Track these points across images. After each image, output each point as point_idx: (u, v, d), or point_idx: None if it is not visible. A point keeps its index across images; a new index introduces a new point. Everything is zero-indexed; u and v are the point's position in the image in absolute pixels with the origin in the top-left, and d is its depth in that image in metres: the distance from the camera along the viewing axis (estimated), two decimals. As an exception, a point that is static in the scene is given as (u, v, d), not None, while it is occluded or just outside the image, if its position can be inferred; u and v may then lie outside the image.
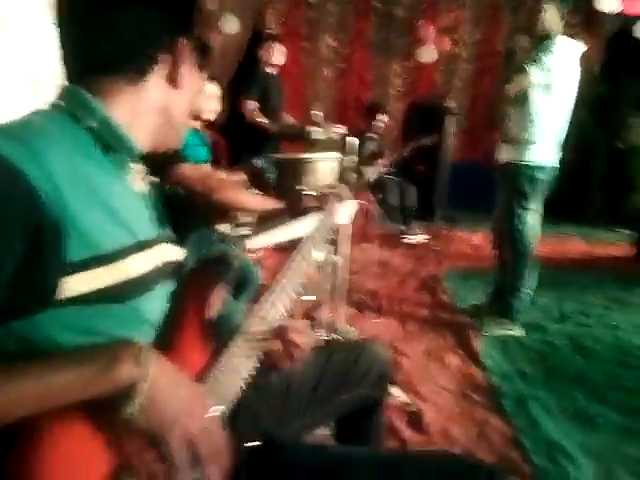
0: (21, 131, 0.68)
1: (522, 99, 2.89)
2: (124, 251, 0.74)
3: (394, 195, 5.25)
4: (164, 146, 0.90)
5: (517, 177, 2.95)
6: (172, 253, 0.89)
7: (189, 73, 0.85)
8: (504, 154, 3.05)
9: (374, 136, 5.50)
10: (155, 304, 0.82)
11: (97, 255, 0.70)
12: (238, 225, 2.57)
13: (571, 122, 2.97)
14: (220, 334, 0.91)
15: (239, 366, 0.86)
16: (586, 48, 2.96)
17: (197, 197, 1.80)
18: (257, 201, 1.89)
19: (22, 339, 0.67)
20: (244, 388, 0.87)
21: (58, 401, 0.63)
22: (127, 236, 0.76)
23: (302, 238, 1.19)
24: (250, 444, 0.90)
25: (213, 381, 0.82)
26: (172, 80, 0.83)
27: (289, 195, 2.09)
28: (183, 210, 1.61)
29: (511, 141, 2.98)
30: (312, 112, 2.98)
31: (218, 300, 0.91)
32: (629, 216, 6.70)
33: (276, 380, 1.13)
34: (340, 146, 3.44)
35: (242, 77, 4.59)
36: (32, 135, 0.68)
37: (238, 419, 0.85)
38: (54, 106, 0.77)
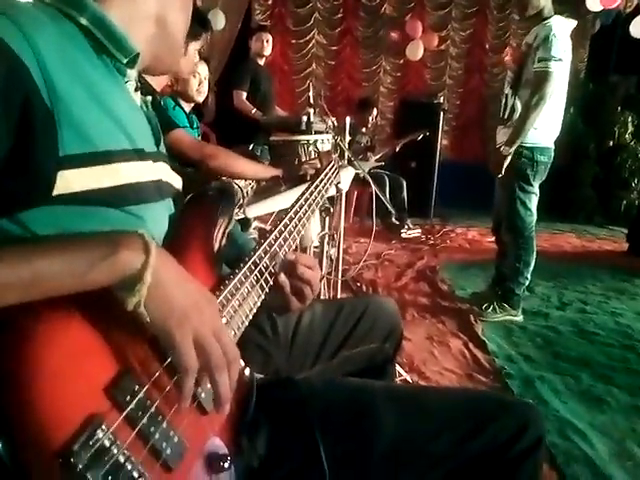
0: (5, 7, 0.59)
1: (528, 83, 2.80)
2: (122, 154, 0.68)
3: (386, 189, 5.19)
4: (161, 63, 0.83)
5: (518, 159, 2.87)
6: (171, 176, 0.81)
7: None
8: (503, 137, 2.95)
9: (365, 131, 5.47)
10: (154, 218, 0.74)
11: (93, 152, 0.63)
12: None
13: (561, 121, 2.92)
14: (223, 266, 0.83)
15: (246, 296, 0.78)
16: (576, 23, 2.89)
17: (190, 163, 1.72)
18: (255, 168, 1.81)
19: (8, 238, 0.59)
20: (250, 325, 0.78)
21: (49, 290, 0.54)
22: (125, 140, 0.69)
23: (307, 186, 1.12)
24: (261, 376, 0.81)
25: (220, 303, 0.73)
26: None
27: (286, 166, 2.01)
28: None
29: (511, 124, 2.88)
30: (310, 94, 2.90)
31: (222, 231, 0.82)
32: (620, 213, 6.72)
33: (283, 326, 1.05)
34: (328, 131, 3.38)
35: (232, 71, 4.51)
36: (17, 11, 0.60)
37: (247, 354, 0.76)
38: (39, 2, 0.68)
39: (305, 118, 3.19)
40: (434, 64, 7.00)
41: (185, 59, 1.97)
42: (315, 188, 1.11)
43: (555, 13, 2.83)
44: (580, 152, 6.94)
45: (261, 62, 4.51)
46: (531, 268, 3.04)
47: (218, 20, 5.54)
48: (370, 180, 1.97)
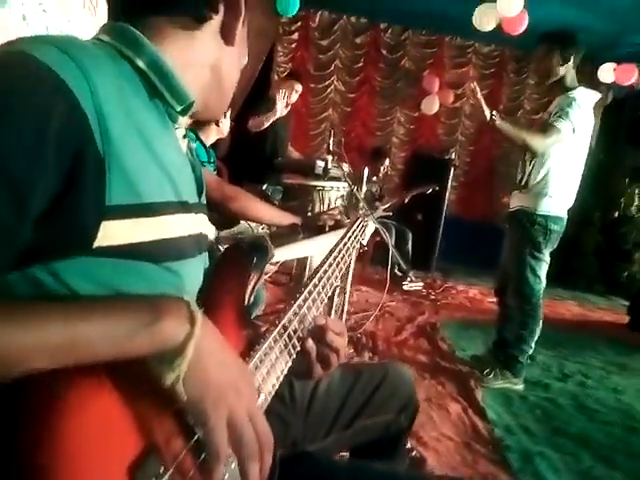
0: (68, 45, 0.57)
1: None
2: (167, 206, 0.65)
3: (392, 240, 5.18)
4: (208, 112, 0.82)
5: (531, 226, 2.85)
6: (208, 228, 0.79)
7: (242, 31, 0.76)
8: (517, 201, 2.96)
9: (376, 180, 5.50)
10: (191, 275, 0.71)
11: (140, 203, 0.60)
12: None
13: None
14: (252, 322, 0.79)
15: (274, 362, 0.74)
16: (600, 96, 2.91)
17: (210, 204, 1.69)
18: (273, 213, 1.78)
19: (39, 286, 0.54)
20: (277, 390, 0.74)
21: (83, 357, 0.50)
22: (172, 192, 0.67)
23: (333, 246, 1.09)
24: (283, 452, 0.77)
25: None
26: (227, 34, 0.74)
27: (304, 214, 1.99)
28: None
29: (526, 190, 2.88)
30: (330, 141, 2.91)
31: (253, 287, 0.79)
32: (622, 284, 6.71)
33: (300, 392, 1.00)
34: (345, 177, 3.38)
35: (250, 108, 4.53)
36: (80, 50, 0.58)
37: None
38: (97, 40, 0.67)
39: (321, 163, 3.20)
40: (448, 120, 7.09)
41: None
42: (344, 246, 1.08)
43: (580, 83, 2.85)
44: (585, 220, 6.98)
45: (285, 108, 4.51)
46: (536, 336, 2.99)
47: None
48: (385, 234, 1.94)
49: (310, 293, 0.87)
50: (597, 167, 7.06)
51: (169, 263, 0.64)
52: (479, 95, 2.85)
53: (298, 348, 0.80)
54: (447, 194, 6.29)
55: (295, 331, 0.80)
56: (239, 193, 1.77)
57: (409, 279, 5.22)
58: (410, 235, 5.48)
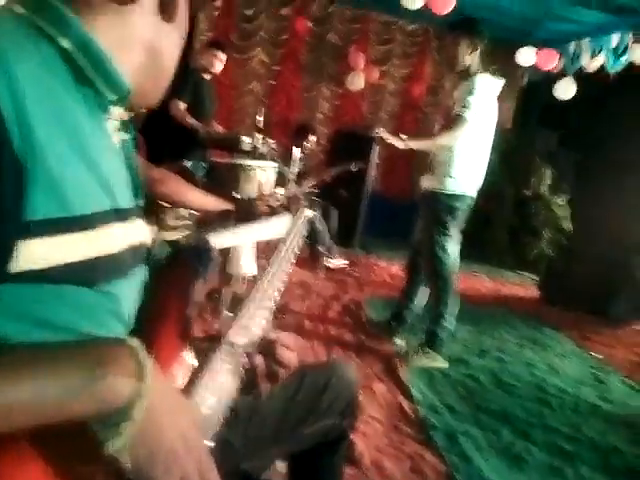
0: None
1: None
2: (103, 217, 0.55)
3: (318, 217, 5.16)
4: (143, 98, 0.70)
5: (436, 205, 3.02)
6: (145, 233, 0.70)
7: (183, 6, 0.67)
8: (426, 182, 3.12)
9: (301, 157, 5.42)
10: (130, 295, 0.62)
11: (70, 217, 0.50)
12: (166, 228, 2.34)
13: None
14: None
15: (222, 383, 0.68)
16: (504, 82, 3.06)
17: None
18: (204, 200, 1.67)
19: None
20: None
21: (9, 425, 0.42)
22: (106, 199, 0.57)
23: (279, 242, 1.03)
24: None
25: (199, 400, 0.63)
26: (166, 9, 0.64)
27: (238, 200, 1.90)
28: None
29: (433, 171, 3.05)
30: (258, 119, 2.81)
31: (199, 297, 0.72)
32: (531, 261, 7.08)
33: (242, 407, 0.94)
34: (274, 157, 3.31)
35: (173, 79, 4.32)
36: None
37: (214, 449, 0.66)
38: (8, 12, 0.55)
39: (248, 139, 3.10)
40: (372, 97, 7.10)
41: None
42: (289, 245, 1.02)
43: (486, 69, 3.01)
44: (498, 197, 7.29)
45: (206, 76, 4.37)
46: (454, 311, 3.10)
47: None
48: (320, 222, 1.90)
49: (257, 302, 0.81)
50: (511, 147, 7.37)
51: (105, 285, 0.55)
52: (389, 140, 3.05)
53: (246, 365, 0.74)
54: (371, 171, 6.34)
55: (242, 347, 0.74)
56: (167, 176, 1.64)
57: (334, 256, 5.23)
58: (336, 212, 5.48)
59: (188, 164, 3.66)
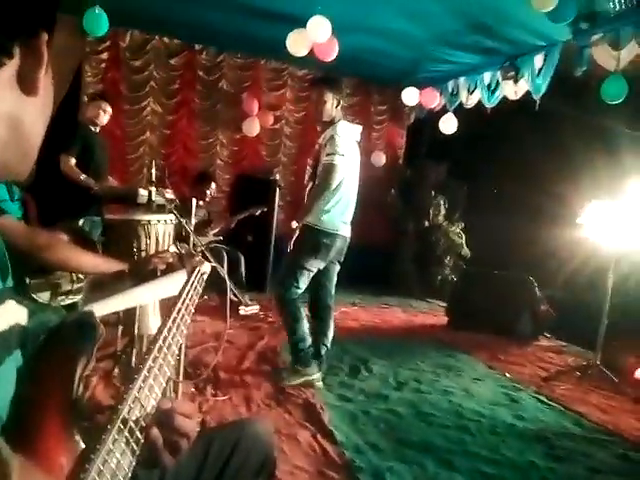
0: None
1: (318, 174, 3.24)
2: None
3: (224, 265, 5.06)
4: (9, 173, 0.64)
5: (305, 238, 3.25)
6: (18, 314, 0.63)
7: (46, 79, 0.63)
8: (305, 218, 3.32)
9: (203, 205, 5.36)
10: (1, 387, 0.55)
11: None
12: (61, 293, 2.20)
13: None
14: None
15: (117, 467, 0.61)
16: (361, 128, 3.48)
17: (20, 254, 1.45)
18: (95, 262, 1.57)
19: None
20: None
21: None
22: None
23: (173, 305, 0.98)
24: None
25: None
26: (26, 83, 0.59)
27: (127, 258, 1.81)
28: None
29: (308, 207, 3.26)
30: (153, 171, 2.73)
31: (81, 375, 0.65)
32: (437, 288, 7.33)
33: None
34: (172, 210, 3.22)
35: (58, 134, 4.16)
36: None
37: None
38: None
39: (144, 192, 2.99)
40: (270, 141, 7.17)
41: None
42: (183, 304, 0.97)
43: (345, 117, 3.44)
44: (401, 231, 7.56)
45: (95, 129, 4.24)
46: (299, 330, 3.37)
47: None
48: (223, 272, 1.84)
49: (150, 370, 0.75)
50: (406, 181, 7.71)
51: None
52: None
53: (142, 440, 0.68)
54: (275, 214, 6.36)
55: (137, 422, 0.67)
56: (55, 241, 1.54)
57: (245, 303, 5.14)
58: (242, 258, 5.41)
59: (82, 223, 3.49)
